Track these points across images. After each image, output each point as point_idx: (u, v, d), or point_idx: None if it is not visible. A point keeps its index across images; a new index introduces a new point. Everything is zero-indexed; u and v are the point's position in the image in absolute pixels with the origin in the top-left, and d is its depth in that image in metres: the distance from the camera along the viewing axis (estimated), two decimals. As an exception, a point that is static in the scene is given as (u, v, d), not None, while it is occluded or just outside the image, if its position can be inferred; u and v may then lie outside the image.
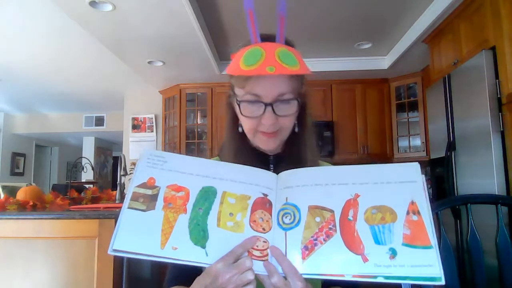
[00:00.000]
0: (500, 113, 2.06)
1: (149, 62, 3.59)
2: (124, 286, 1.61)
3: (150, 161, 0.65)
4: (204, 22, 2.94)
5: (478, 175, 2.21)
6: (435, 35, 2.91)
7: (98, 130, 6.70)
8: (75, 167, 5.76)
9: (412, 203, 0.58)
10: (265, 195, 0.63)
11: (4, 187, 3.05)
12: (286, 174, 0.65)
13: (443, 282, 0.53)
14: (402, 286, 0.86)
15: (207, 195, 0.62)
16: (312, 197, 0.61)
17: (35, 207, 1.84)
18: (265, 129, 0.73)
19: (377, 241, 0.56)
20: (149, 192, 0.62)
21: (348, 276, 0.55)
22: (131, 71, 3.95)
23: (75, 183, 4.40)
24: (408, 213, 0.58)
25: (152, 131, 4.80)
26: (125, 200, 0.62)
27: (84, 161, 5.00)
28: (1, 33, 3.19)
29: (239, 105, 0.73)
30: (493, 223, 0.95)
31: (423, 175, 0.61)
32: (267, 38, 0.74)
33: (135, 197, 0.61)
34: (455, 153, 2.46)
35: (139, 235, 0.59)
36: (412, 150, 3.98)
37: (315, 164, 0.79)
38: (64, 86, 4.89)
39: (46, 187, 7.38)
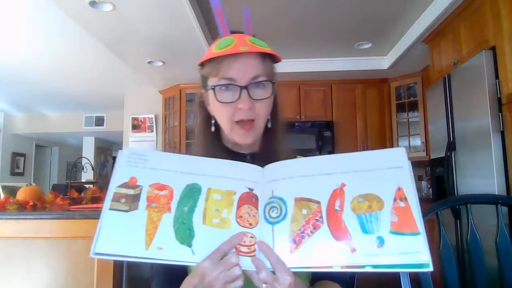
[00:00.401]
0: (500, 113, 2.06)
1: (149, 62, 3.59)
2: (124, 286, 1.61)
3: (130, 160, 0.63)
4: (204, 22, 2.94)
5: (478, 175, 2.21)
6: (435, 35, 2.91)
7: (98, 130, 6.70)
8: (75, 167, 5.76)
9: (399, 189, 0.57)
10: (251, 189, 0.62)
11: (4, 187, 3.05)
12: (272, 166, 0.64)
13: (431, 269, 0.52)
14: (401, 276, 0.86)
15: (192, 192, 0.61)
16: (298, 189, 0.60)
17: (35, 207, 1.84)
18: (242, 115, 0.72)
19: (365, 230, 0.56)
20: (131, 192, 0.60)
21: (337, 267, 0.55)
22: (131, 71, 3.95)
23: (75, 183, 4.39)
24: (395, 200, 0.57)
25: (152, 131, 4.80)
26: (105, 201, 0.59)
27: (84, 161, 4.99)
28: (1, 33, 3.19)
29: (214, 91, 0.72)
30: (493, 223, 0.95)
31: (409, 160, 0.60)
32: (236, 30, 0.76)
33: (117, 198, 0.59)
34: (455, 153, 2.46)
35: (122, 237, 0.57)
36: (412, 150, 3.98)
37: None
38: (64, 86, 4.89)
39: (46, 187, 7.38)
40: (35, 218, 1.60)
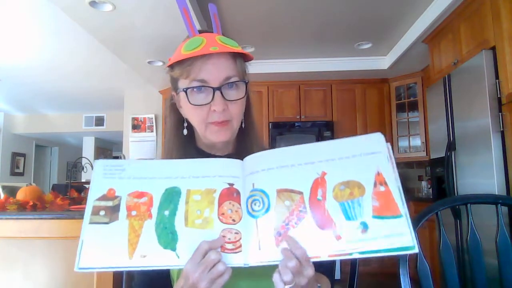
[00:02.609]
0: (500, 113, 2.06)
1: (149, 62, 3.59)
2: (124, 286, 1.61)
3: (106, 172, 0.62)
4: (205, 22, 2.95)
5: (478, 175, 2.21)
6: (435, 35, 2.91)
7: (98, 130, 6.70)
8: (75, 167, 5.76)
9: (378, 174, 0.58)
10: (231, 184, 0.61)
11: (4, 187, 3.05)
12: (251, 158, 0.63)
13: (416, 251, 0.53)
14: (401, 275, 0.86)
15: (171, 196, 0.60)
16: (279, 180, 0.60)
17: (35, 207, 1.84)
18: (216, 117, 0.70)
19: (348, 217, 0.56)
20: (110, 203, 0.59)
21: (324, 256, 0.55)
22: (131, 71, 3.95)
23: (75, 183, 4.40)
24: (375, 185, 0.57)
25: (152, 131, 4.80)
26: (85, 216, 0.58)
27: (84, 161, 4.99)
28: (1, 33, 3.19)
29: (186, 94, 0.70)
30: (493, 223, 0.95)
31: (388, 143, 0.61)
32: (204, 29, 0.75)
33: (96, 211, 0.58)
34: (455, 153, 2.46)
35: (104, 249, 0.56)
36: (412, 150, 3.98)
37: None
38: (64, 86, 4.89)
39: (46, 187, 7.39)
40: (35, 218, 1.60)
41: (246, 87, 0.73)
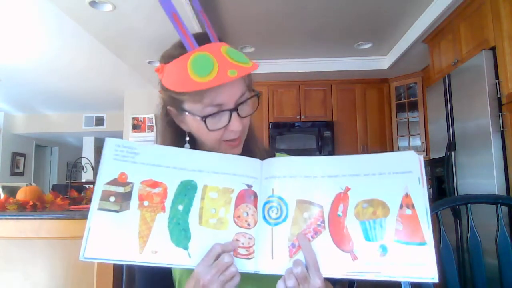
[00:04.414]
0: (500, 113, 2.06)
1: (149, 62, 3.59)
2: (124, 286, 1.61)
3: (118, 153, 0.56)
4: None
5: (478, 175, 2.21)
6: (435, 35, 2.90)
7: (98, 130, 6.70)
8: (75, 167, 5.76)
9: (406, 195, 0.54)
10: (249, 186, 0.58)
11: (4, 187, 3.05)
12: (272, 161, 0.60)
13: (436, 281, 0.50)
14: (402, 284, 0.86)
15: (187, 190, 0.57)
16: (300, 190, 0.57)
17: (35, 207, 1.84)
18: (232, 136, 0.68)
19: (368, 238, 0.54)
20: (121, 189, 0.55)
21: (337, 275, 0.53)
22: (131, 71, 3.94)
23: (75, 183, 4.39)
24: (401, 206, 0.54)
25: (152, 131, 4.80)
26: (93, 200, 0.54)
27: (84, 161, 4.99)
28: (1, 33, 3.19)
29: (205, 122, 0.64)
30: (493, 223, 0.95)
31: (422, 162, 0.56)
32: (201, 38, 0.66)
33: (105, 196, 0.54)
34: (455, 153, 2.46)
35: (114, 240, 0.53)
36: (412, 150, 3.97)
37: (269, 157, 0.78)
38: (64, 86, 4.89)
39: (46, 187, 7.39)
40: (35, 218, 1.60)
41: (258, 98, 0.70)
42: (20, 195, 1.90)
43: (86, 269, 1.56)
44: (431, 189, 2.93)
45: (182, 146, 0.69)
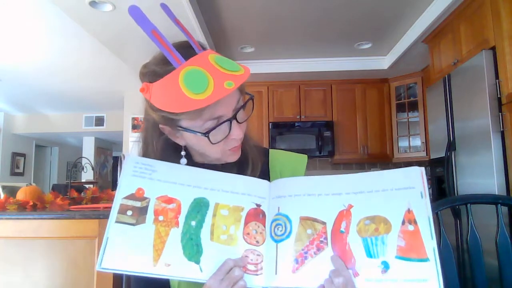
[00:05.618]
0: (500, 113, 2.06)
1: (149, 62, 3.58)
2: (124, 286, 1.61)
3: (136, 170, 0.61)
4: (204, 23, 2.94)
5: (478, 175, 2.21)
6: (435, 35, 2.90)
7: (98, 130, 6.70)
8: (75, 167, 5.76)
9: (409, 211, 0.55)
10: (258, 205, 0.61)
11: (4, 187, 3.05)
12: (279, 182, 0.63)
13: None
14: None
15: (199, 207, 0.59)
16: (304, 207, 0.59)
17: (35, 207, 1.84)
18: (234, 143, 0.68)
19: (369, 254, 0.54)
20: (138, 204, 0.58)
21: None
22: (131, 71, 3.94)
23: (75, 183, 4.39)
24: (403, 223, 0.54)
25: (152, 131, 4.80)
26: (111, 213, 0.57)
27: (84, 161, 4.99)
28: (1, 33, 3.19)
29: (208, 137, 0.63)
30: (493, 223, 0.95)
31: (424, 175, 0.56)
32: (183, 48, 0.64)
33: (123, 210, 0.57)
34: (455, 153, 2.46)
35: (129, 252, 0.55)
36: (412, 150, 3.98)
37: (263, 154, 0.77)
38: (64, 86, 4.89)
39: (46, 187, 7.39)
40: (34, 218, 1.60)
41: (252, 102, 0.69)
42: (20, 195, 1.90)
43: (86, 269, 1.56)
44: (431, 189, 2.93)
45: (177, 159, 0.70)
